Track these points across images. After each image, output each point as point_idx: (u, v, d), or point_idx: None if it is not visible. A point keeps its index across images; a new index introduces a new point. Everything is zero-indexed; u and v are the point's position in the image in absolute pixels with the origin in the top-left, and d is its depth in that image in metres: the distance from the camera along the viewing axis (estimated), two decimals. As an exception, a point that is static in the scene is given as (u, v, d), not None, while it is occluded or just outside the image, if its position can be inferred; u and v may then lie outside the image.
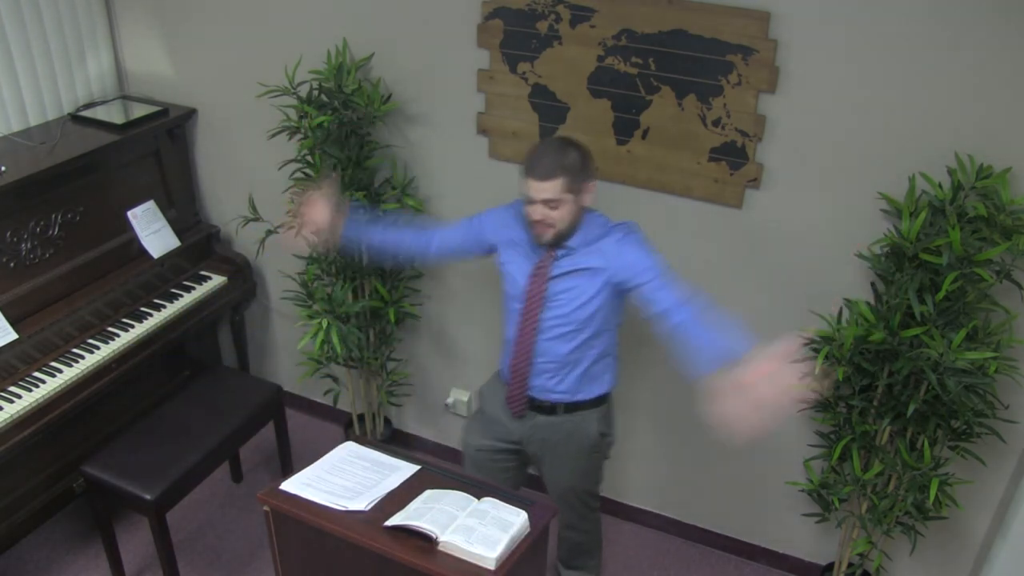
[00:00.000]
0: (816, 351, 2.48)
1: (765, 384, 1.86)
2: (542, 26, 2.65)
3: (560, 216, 2.17)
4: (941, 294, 2.23)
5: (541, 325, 2.32)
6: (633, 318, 2.99)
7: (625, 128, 2.68)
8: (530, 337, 2.34)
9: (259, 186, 3.29)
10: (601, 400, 2.46)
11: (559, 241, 2.23)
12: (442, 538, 1.82)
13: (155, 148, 3.29)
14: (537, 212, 2.17)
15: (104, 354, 2.92)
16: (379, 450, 2.18)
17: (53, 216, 2.94)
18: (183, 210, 3.45)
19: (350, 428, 3.55)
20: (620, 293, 2.29)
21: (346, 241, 2.54)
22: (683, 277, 2.82)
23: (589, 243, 2.26)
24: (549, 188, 2.13)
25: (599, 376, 2.42)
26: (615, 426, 2.57)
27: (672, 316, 2.16)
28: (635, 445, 3.19)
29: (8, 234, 2.81)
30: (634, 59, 2.57)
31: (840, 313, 2.56)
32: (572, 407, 2.42)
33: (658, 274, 2.20)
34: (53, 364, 2.83)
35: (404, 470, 2.09)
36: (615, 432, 2.58)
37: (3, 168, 2.81)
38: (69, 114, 3.27)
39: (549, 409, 2.42)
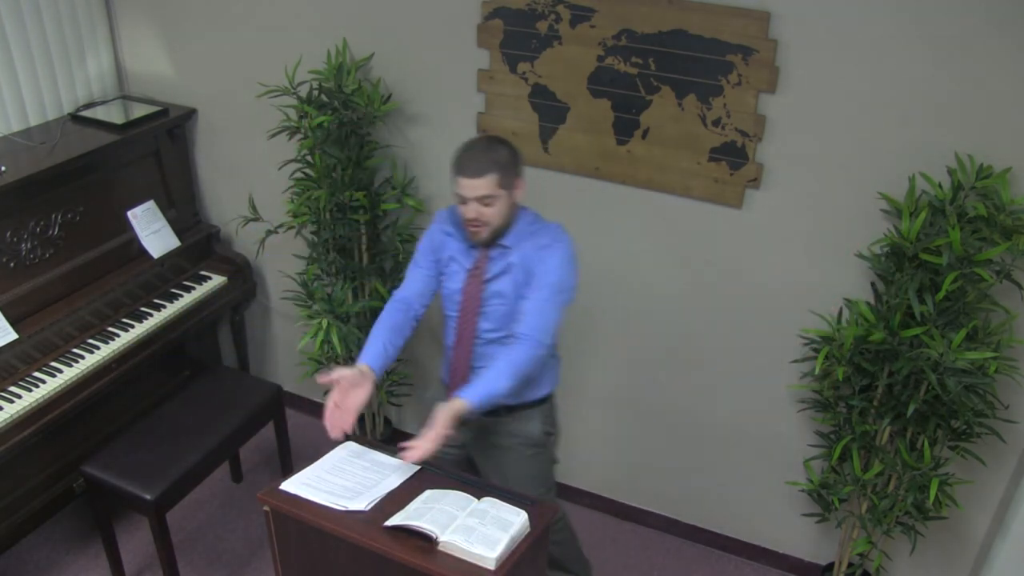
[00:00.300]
0: (816, 351, 2.48)
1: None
2: (542, 26, 2.65)
3: (494, 213, 2.16)
4: (941, 294, 2.23)
5: (479, 330, 2.30)
6: (633, 317, 2.99)
7: (625, 128, 2.68)
8: (468, 343, 2.32)
9: (259, 186, 3.29)
10: (543, 400, 2.43)
11: (494, 239, 2.22)
12: (442, 538, 1.82)
13: (155, 148, 3.29)
14: (471, 210, 2.15)
15: (104, 354, 2.92)
16: (379, 450, 2.18)
17: (53, 216, 2.94)
18: (183, 210, 3.45)
19: (350, 428, 3.55)
20: None
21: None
22: (679, 277, 2.83)
23: (522, 238, 2.24)
24: (482, 185, 2.11)
25: (540, 378, 2.36)
26: (558, 424, 2.54)
27: (515, 334, 2.19)
28: (635, 445, 3.19)
29: (8, 234, 2.81)
30: (634, 59, 2.57)
31: (840, 313, 2.56)
32: (514, 408, 2.38)
33: (547, 296, 2.19)
34: (53, 364, 2.83)
35: (404, 470, 2.09)
36: (558, 430, 2.54)
37: (3, 168, 2.81)
38: (69, 114, 3.27)
39: (491, 411, 2.34)
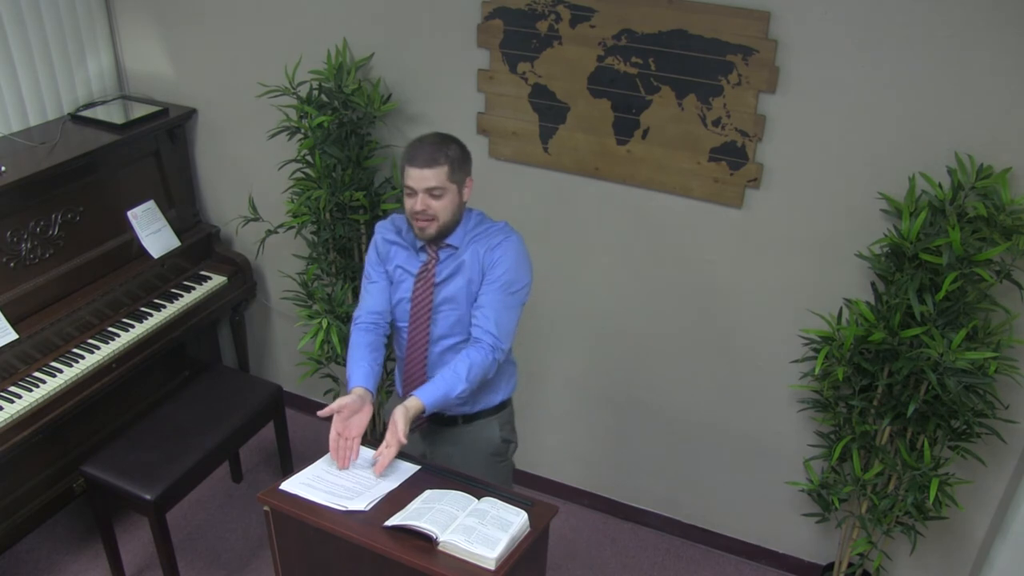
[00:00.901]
0: (816, 351, 2.48)
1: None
2: (542, 26, 2.65)
3: (442, 207, 2.10)
4: (941, 294, 2.23)
5: (431, 337, 2.25)
6: (633, 316, 2.99)
7: (625, 128, 2.68)
8: (421, 351, 2.27)
9: (259, 186, 3.29)
10: (501, 406, 2.38)
11: (441, 236, 2.16)
12: (442, 538, 1.82)
13: (155, 148, 3.29)
14: (420, 202, 2.09)
15: (104, 354, 2.92)
16: (379, 450, 2.18)
17: (53, 216, 2.94)
18: (183, 210, 3.45)
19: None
20: None
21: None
22: (680, 277, 2.83)
23: (470, 239, 2.20)
24: (432, 176, 2.07)
25: (497, 384, 2.32)
26: (516, 433, 2.48)
27: (472, 336, 2.18)
28: (635, 445, 3.19)
29: (8, 234, 2.81)
30: (634, 59, 2.57)
31: (840, 313, 2.56)
32: (471, 416, 2.35)
33: (501, 297, 2.16)
34: (53, 364, 2.83)
35: (404, 470, 2.09)
36: (516, 438, 2.49)
37: (3, 168, 2.81)
38: (69, 114, 3.27)
39: (449, 420, 2.34)
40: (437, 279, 2.21)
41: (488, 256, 2.18)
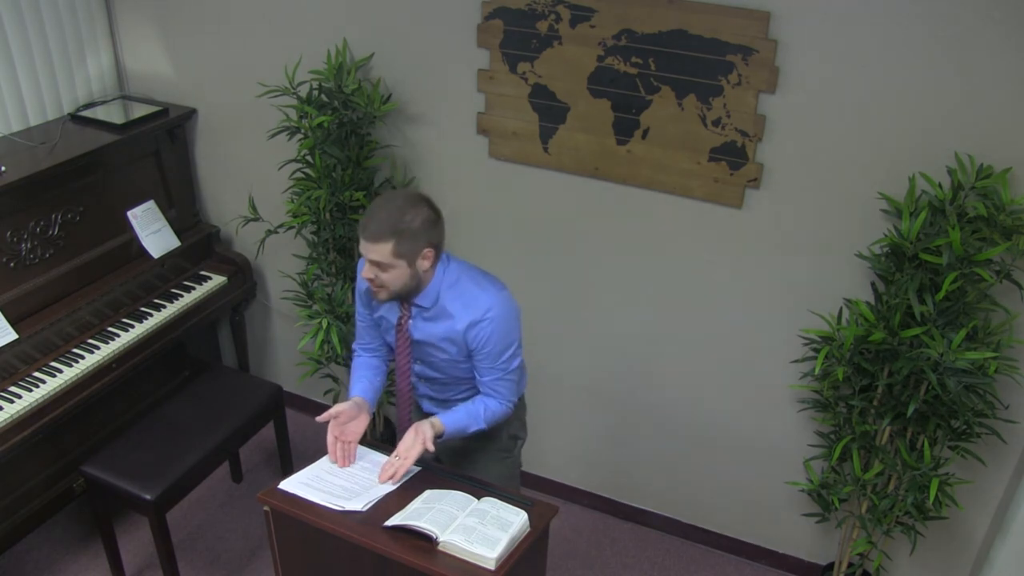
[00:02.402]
0: (816, 351, 2.48)
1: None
2: (542, 26, 2.65)
3: (390, 279, 2.03)
4: (941, 294, 2.23)
5: (415, 374, 2.29)
6: (633, 317, 2.99)
7: (625, 128, 2.68)
8: (406, 383, 2.32)
9: (259, 186, 3.29)
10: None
11: (400, 299, 2.13)
12: (442, 538, 1.82)
13: (155, 148, 3.29)
14: (368, 271, 2.04)
15: (104, 354, 2.92)
16: (379, 450, 2.18)
17: (53, 216, 2.94)
18: (183, 210, 3.45)
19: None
20: None
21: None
22: (680, 277, 2.83)
23: (442, 303, 2.12)
24: (376, 251, 1.98)
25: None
26: (526, 428, 2.49)
27: (482, 391, 2.23)
28: (635, 445, 3.19)
29: (8, 234, 2.81)
30: (634, 59, 2.57)
31: (840, 313, 2.56)
32: None
33: (499, 369, 2.17)
34: (53, 364, 2.83)
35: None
36: (526, 434, 2.50)
37: (3, 168, 2.81)
38: (69, 114, 3.27)
39: None
40: (413, 336, 2.19)
41: (471, 333, 2.11)
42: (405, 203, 2.01)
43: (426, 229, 2.01)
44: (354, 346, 2.38)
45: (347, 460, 2.12)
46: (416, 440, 2.05)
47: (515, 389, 2.25)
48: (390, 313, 2.22)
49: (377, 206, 2.02)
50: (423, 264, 2.05)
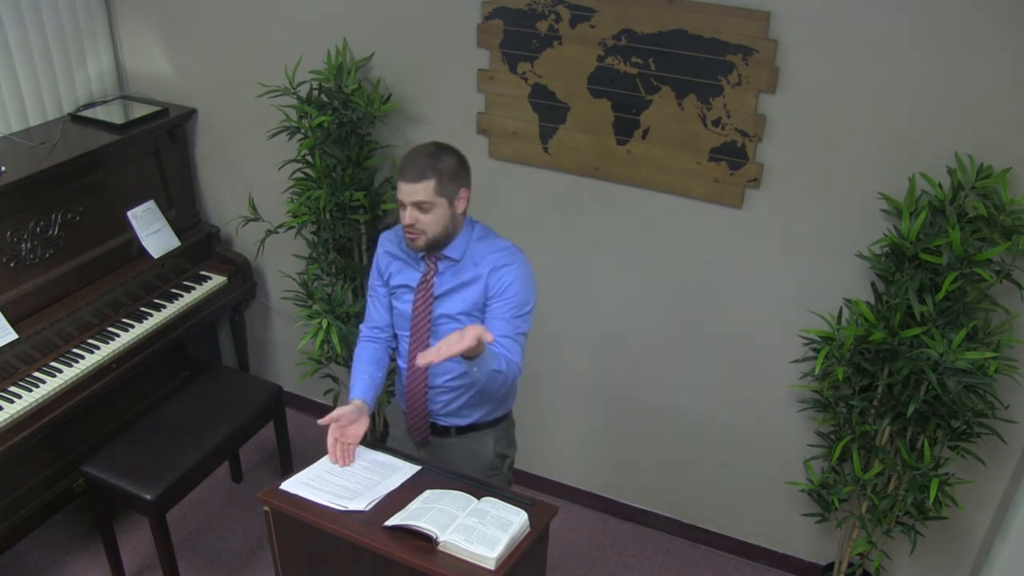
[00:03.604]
0: (816, 351, 2.48)
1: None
2: (542, 26, 2.65)
3: (431, 221, 2.09)
4: (941, 294, 2.23)
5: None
6: (633, 316, 2.99)
7: (625, 128, 2.68)
8: (420, 368, 2.26)
9: (259, 186, 3.29)
10: (497, 421, 2.38)
11: (433, 248, 2.15)
12: (442, 538, 1.82)
13: (155, 148, 3.29)
14: (408, 216, 2.09)
15: (104, 354, 2.92)
16: (379, 450, 2.18)
17: (53, 216, 2.94)
18: (183, 210, 3.45)
19: (350, 428, 3.55)
20: None
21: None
22: (680, 277, 2.83)
23: (471, 255, 2.17)
24: (420, 190, 2.05)
25: (497, 399, 2.33)
26: (515, 444, 2.47)
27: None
28: (635, 445, 3.19)
29: (8, 234, 2.81)
30: (634, 59, 2.57)
31: (840, 313, 2.56)
32: (465, 429, 2.35)
33: (514, 322, 2.15)
34: (53, 364, 2.83)
35: (404, 470, 2.09)
36: (514, 451, 2.47)
37: (3, 168, 2.81)
38: (69, 114, 3.27)
39: (442, 431, 2.35)
40: (436, 292, 2.20)
41: (495, 276, 2.15)
42: (437, 148, 2.12)
43: (461, 170, 2.12)
44: (361, 327, 2.38)
45: (347, 460, 2.13)
46: (466, 333, 1.92)
47: (521, 355, 2.19)
48: (410, 277, 2.23)
49: (411, 154, 2.11)
50: (460, 205, 2.14)
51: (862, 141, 2.43)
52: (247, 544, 3.18)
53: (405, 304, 2.25)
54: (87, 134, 3.14)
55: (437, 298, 2.20)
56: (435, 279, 2.19)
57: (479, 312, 2.18)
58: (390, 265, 2.27)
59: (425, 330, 2.23)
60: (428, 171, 2.06)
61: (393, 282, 2.27)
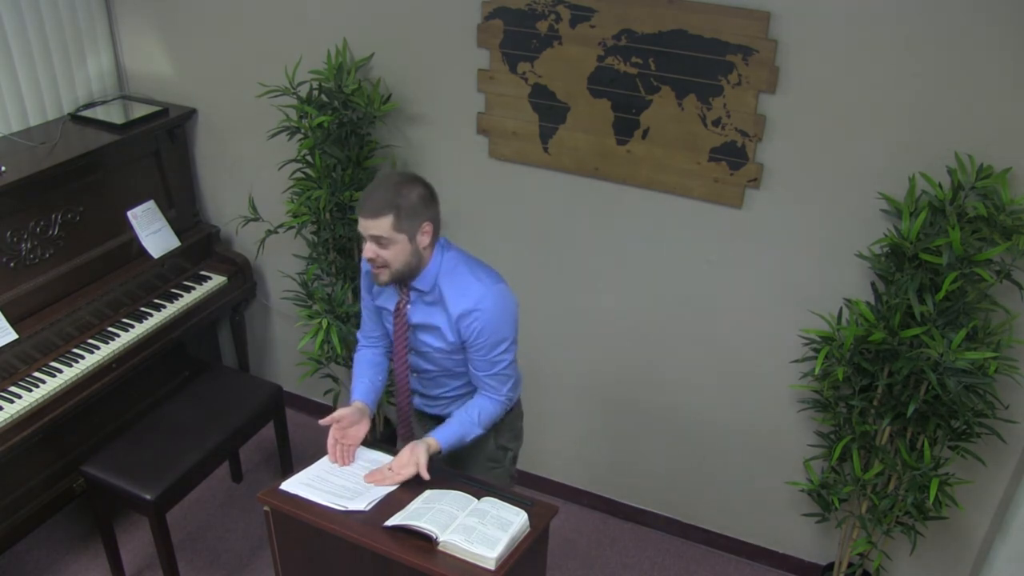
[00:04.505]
0: (816, 351, 2.48)
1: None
2: (542, 26, 2.65)
3: (391, 256, 2.04)
4: (941, 294, 2.23)
5: (411, 368, 2.28)
6: (632, 316, 2.99)
7: (625, 128, 2.68)
8: (404, 378, 2.31)
9: (259, 186, 3.29)
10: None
11: (400, 281, 2.13)
12: (442, 538, 1.82)
13: (155, 148, 3.29)
14: (369, 250, 2.06)
15: (104, 354, 2.92)
16: (379, 450, 2.18)
17: (53, 216, 2.94)
18: (183, 210, 3.45)
19: (350, 428, 3.55)
20: None
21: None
22: (680, 277, 2.83)
23: (443, 285, 2.12)
24: (377, 226, 2.01)
25: None
26: (520, 438, 2.46)
27: (478, 387, 2.23)
28: (635, 445, 3.19)
29: (8, 234, 2.81)
30: (634, 59, 2.57)
31: (840, 313, 2.56)
32: None
33: (494, 364, 2.16)
34: (53, 364, 2.83)
35: (404, 470, 2.09)
36: (518, 444, 2.46)
37: (3, 168, 2.81)
38: (69, 114, 3.27)
39: (440, 421, 2.30)
40: (411, 320, 2.19)
41: (464, 323, 2.11)
42: (401, 180, 2.06)
43: (424, 204, 2.05)
44: (358, 335, 2.40)
45: (346, 461, 2.13)
46: (410, 461, 2.04)
47: (510, 384, 2.22)
48: (389, 301, 2.23)
49: (373, 186, 2.06)
50: (423, 240, 2.07)
51: (862, 141, 2.43)
52: (247, 544, 3.18)
53: (389, 325, 2.28)
54: (87, 134, 3.13)
55: (412, 327, 2.20)
56: (408, 308, 2.19)
57: (456, 351, 2.19)
58: (373, 284, 2.26)
59: (404, 352, 2.26)
60: (386, 207, 2.00)
61: (377, 302, 2.28)
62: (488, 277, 2.14)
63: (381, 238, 2.02)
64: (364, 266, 2.26)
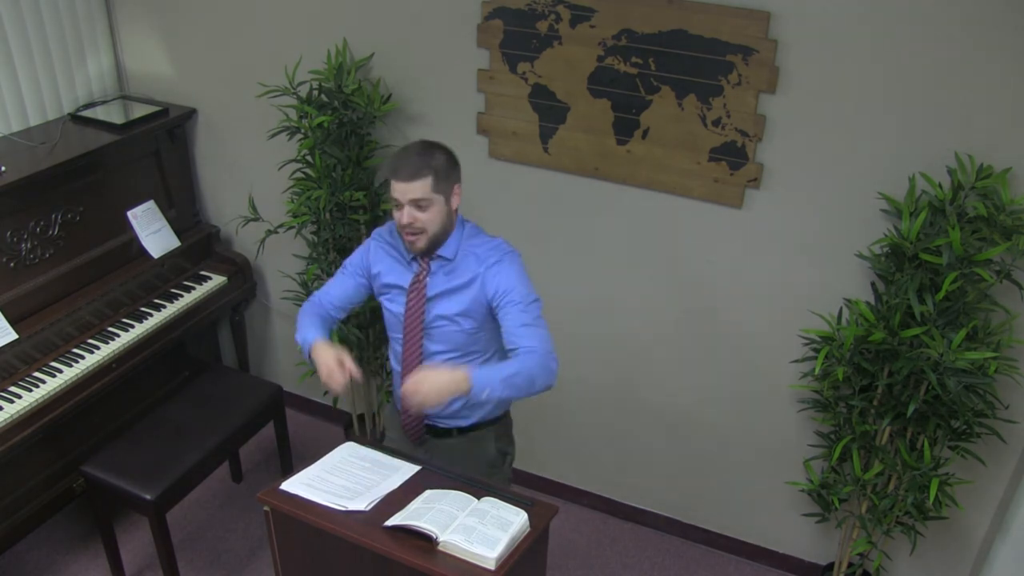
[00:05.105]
0: (816, 351, 2.48)
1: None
2: (542, 26, 2.65)
3: (430, 219, 2.07)
4: (941, 294, 2.23)
5: (425, 352, 2.22)
6: (632, 316, 2.99)
7: (625, 128, 2.68)
8: (415, 367, 2.21)
9: (259, 186, 3.29)
10: (498, 419, 2.37)
11: (432, 248, 2.14)
12: (442, 538, 1.82)
13: (155, 148, 3.29)
14: (406, 215, 2.06)
15: (104, 354, 2.92)
16: (379, 450, 2.18)
17: (53, 216, 2.94)
18: (183, 210, 3.45)
19: (350, 428, 3.55)
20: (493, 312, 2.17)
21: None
22: (680, 277, 2.83)
23: (464, 253, 2.15)
24: (417, 188, 2.04)
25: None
26: (514, 443, 2.46)
27: (515, 344, 2.09)
28: (635, 445, 3.19)
29: (8, 234, 2.81)
30: (634, 59, 2.57)
31: (840, 313, 2.56)
32: (466, 429, 2.33)
33: (524, 312, 2.09)
34: (53, 364, 2.83)
35: (404, 470, 2.09)
36: (514, 449, 2.46)
37: (3, 168, 2.81)
38: (69, 114, 3.27)
39: (444, 432, 2.34)
40: (429, 293, 2.18)
41: (491, 274, 2.12)
42: (428, 144, 2.12)
43: (452, 166, 2.12)
44: (314, 295, 2.35)
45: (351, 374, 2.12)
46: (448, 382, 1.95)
47: (545, 339, 2.08)
48: (402, 277, 2.21)
49: (402, 153, 2.10)
50: (455, 202, 2.13)
51: (862, 141, 2.43)
52: (247, 544, 3.18)
53: (397, 305, 2.23)
54: (87, 134, 3.14)
55: (430, 299, 2.18)
56: (427, 279, 2.18)
57: (478, 312, 2.16)
58: (381, 261, 2.25)
59: (418, 332, 2.22)
60: (424, 168, 2.05)
61: (383, 281, 2.25)
62: (506, 242, 2.22)
63: (421, 200, 2.06)
64: (376, 238, 2.27)
